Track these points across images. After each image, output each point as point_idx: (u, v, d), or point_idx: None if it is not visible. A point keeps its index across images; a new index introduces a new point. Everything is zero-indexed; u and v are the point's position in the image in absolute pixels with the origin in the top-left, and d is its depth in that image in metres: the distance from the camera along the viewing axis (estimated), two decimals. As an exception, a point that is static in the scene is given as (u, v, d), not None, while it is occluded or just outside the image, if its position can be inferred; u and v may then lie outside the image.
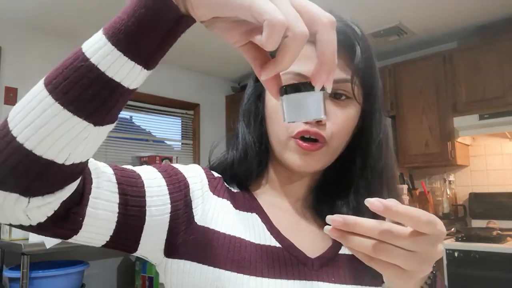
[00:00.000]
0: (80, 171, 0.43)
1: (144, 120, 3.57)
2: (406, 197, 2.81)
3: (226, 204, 0.60)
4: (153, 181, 0.53)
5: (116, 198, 0.48)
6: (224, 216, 0.58)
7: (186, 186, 0.56)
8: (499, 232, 2.52)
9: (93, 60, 0.37)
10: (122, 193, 0.48)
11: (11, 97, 2.74)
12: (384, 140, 0.63)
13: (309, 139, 0.56)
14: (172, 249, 0.55)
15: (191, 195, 0.57)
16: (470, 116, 2.69)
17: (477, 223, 2.83)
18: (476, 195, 2.91)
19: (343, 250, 0.62)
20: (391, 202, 0.37)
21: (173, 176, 0.56)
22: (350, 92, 0.57)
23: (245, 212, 0.60)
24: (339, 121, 0.57)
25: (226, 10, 0.35)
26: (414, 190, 3.11)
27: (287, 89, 0.40)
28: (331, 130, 0.57)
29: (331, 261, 0.60)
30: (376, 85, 0.61)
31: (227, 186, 0.64)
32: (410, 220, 0.37)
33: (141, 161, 3.24)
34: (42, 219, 0.42)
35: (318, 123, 0.56)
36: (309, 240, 0.61)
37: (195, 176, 0.59)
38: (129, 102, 3.38)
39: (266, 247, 0.57)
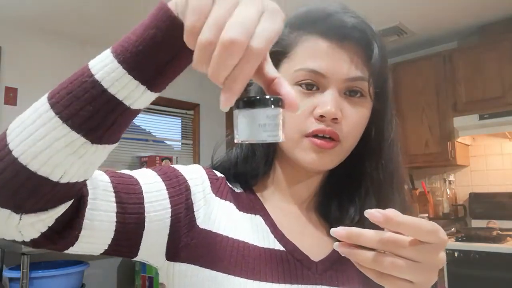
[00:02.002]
0: (77, 191, 0.42)
1: (144, 120, 3.57)
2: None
3: (229, 206, 0.58)
4: (152, 185, 0.51)
5: (113, 207, 0.46)
6: (227, 218, 0.57)
7: (187, 188, 0.55)
8: (499, 232, 2.51)
9: (97, 76, 0.37)
10: (120, 201, 0.47)
11: (11, 97, 2.74)
12: (395, 140, 0.62)
13: (323, 137, 0.55)
14: (174, 253, 0.54)
15: (192, 197, 0.55)
16: (470, 116, 2.69)
17: (477, 223, 2.82)
18: (476, 195, 2.91)
19: None
20: (391, 212, 0.37)
21: (173, 179, 0.54)
22: (365, 91, 0.56)
23: (249, 214, 0.59)
24: (354, 119, 0.56)
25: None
26: (414, 190, 3.11)
27: (240, 103, 0.36)
28: (346, 128, 0.55)
29: (334, 265, 0.59)
30: (388, 84, 0.60)
31: (230, 186, 0.62)
32: (412, 229, 0.38)
33: (141, 161, 3.24)
34: (36, 235, 0.41)
35: (333, 121, 0.54)
36: (313, 243, 0.60)
37: (197, 178, 0.57)
38: (129, 102, 3.39)
39: (270, 251, 0.56)
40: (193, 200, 0.55)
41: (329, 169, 0.61)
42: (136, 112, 0.40)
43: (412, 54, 3.23)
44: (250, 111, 0.35)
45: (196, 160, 3.83)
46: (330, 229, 0.63)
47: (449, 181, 3.04)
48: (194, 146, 3.85)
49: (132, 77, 0.37)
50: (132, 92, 0.38)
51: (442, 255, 0.41)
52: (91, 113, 0.37)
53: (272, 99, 0.35)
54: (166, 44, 0.37)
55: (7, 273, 2.24)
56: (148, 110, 3.55)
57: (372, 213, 0.37)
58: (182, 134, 3.84)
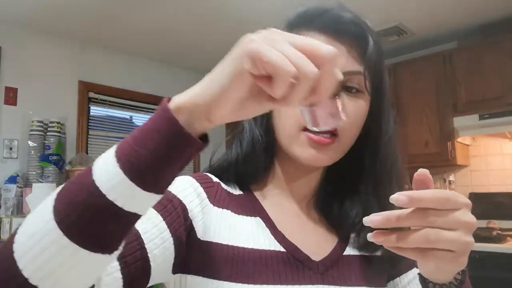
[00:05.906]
0: None
1: (144, 120, 3.55)
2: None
3: (227, 213, 0.58)
4: (148, 222, 0.50)
5: (116, 266, 0.45)
6: (226, 226, 0.57)
7: (183, 209, 0.54)
8: (499, 232, 2.52)
9: (110, 197, 0.36)
10: (121, 257, 0.46)
11: (11, 97, 2.74)
12: (393, 135, 0.62)
13: (321, 132, 0.55)
14: (181, 268, 0.54)
15: (190, 215, 0.54)
16: (470, 116, 2.69)
17: (477, 223, 2.82)
18: (476, 195, 2.91)
19: (348, 251, 0.61)
20: (410, 192, 0.38)
21: (168, 206, 0.53)
22: (361, 85, 0.56)
23: (249, 217, 0.59)
24: (351, 113, 0.56)
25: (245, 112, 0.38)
26: (414, 190, 3.11)
27: None
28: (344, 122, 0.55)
29: (336, 263, 0.59)
30: (384, 79, 0.60)
31: (226, 189, 0.61)
32: (434, 201, 0.38)
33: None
34: None
35: None
36: (314, 241, 0.60)
37: (191, 193, 0.57)
38: (129, 102, 3.39)
39: (271, 253, 0.56)
40: (191, 217, 0.55)
41: (328, 166, 0.60)
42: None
43: (412, 54, 3.23)
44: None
45: (196, 160, 3.83)
46: (330, 227, 0.63)
47: (449, 181, 3.03)
48: (194, 146, 3.85)
49: (147, 191, 0.37)
50: (145, 203, 0.38)
51: (471, 217, 0.42)
52: (107, 232, 0.37)
53: None
54: (179, 156, 0.38)
55: (7, 273, 2.24)
56: (148, 110, 3.55)
57: (396, 198, 0.37)
58: (182, 134, 3.84)
